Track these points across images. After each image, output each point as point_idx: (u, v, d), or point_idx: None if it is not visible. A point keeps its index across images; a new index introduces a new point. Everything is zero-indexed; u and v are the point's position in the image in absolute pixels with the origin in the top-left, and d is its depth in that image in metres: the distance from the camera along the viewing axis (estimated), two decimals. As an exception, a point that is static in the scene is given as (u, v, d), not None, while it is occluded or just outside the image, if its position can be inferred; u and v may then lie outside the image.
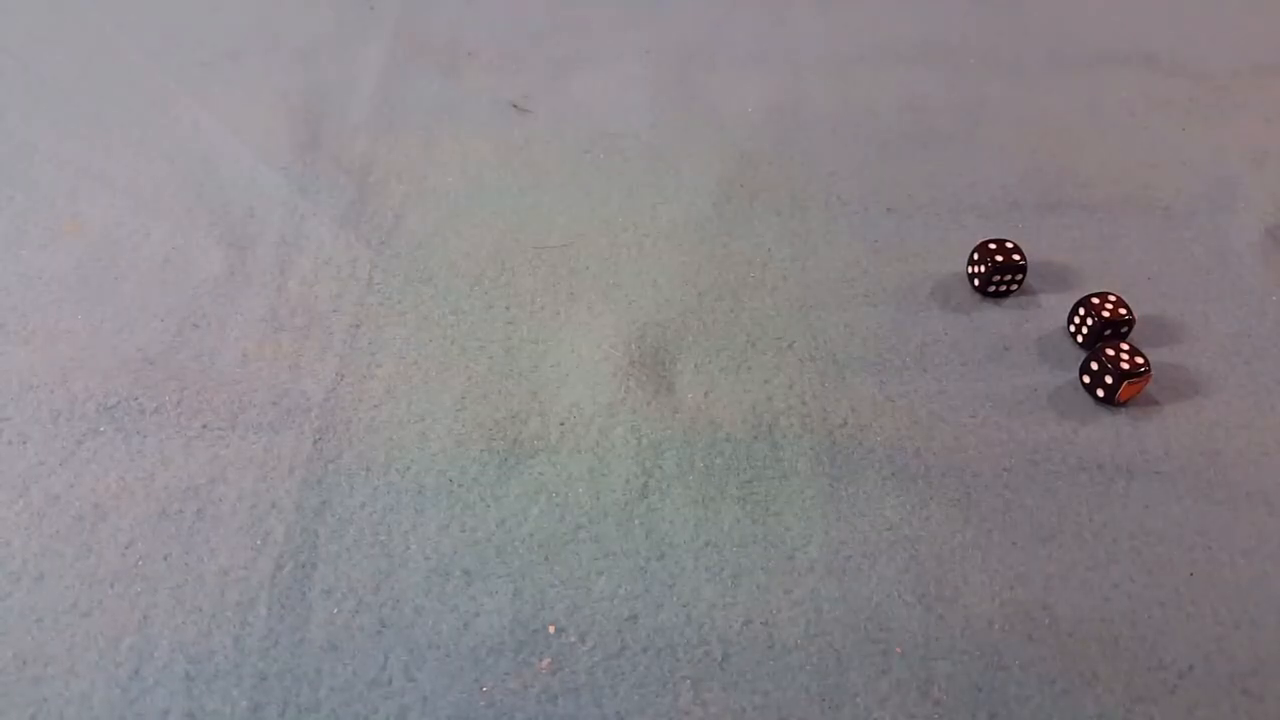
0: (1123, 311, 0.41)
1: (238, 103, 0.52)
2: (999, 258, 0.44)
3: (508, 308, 0.43)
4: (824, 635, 0.33)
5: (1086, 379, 0.40)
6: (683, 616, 0.33)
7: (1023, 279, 0.44)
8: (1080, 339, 0.42)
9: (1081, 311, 0.42)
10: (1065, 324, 0.43)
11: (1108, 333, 0.42)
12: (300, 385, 0.40)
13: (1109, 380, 0.39)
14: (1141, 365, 0.39)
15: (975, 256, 0.45)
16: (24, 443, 0.37)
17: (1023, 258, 0.44)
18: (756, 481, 0.37)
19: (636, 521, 0.36)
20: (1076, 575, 0.35)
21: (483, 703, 0.31)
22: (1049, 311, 0.44)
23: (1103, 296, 0.42)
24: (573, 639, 0.33)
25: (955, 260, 0.47)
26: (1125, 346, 0.40)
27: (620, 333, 0.43)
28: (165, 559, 0.34)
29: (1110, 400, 0.39)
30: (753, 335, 0.43)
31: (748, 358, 0.42)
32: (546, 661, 0.32)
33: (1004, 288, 0.44)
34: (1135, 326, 0.43)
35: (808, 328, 0.43)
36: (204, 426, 0.38)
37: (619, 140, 0.53)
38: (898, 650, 0.33)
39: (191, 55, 0.55)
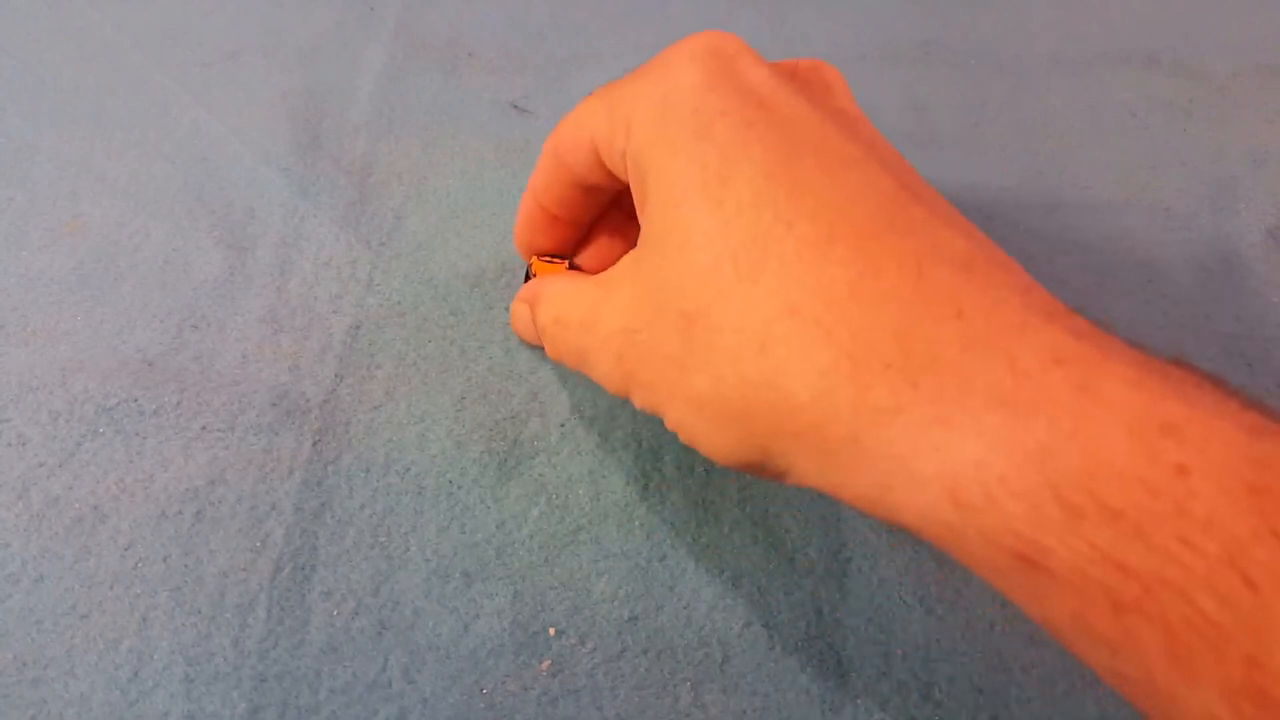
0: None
1: (238, 103, 0.52)
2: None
3: (508, 309, 0.43)
4: (824, 637, 0.33)
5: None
6: (683, 618, 0.33)
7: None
8: None
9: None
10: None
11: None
12: (300, 386, 0.40)
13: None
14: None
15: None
16: (23, 444, 0.37)
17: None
18: (757, 484, 0.37)
19: (637, 523, 0.36)
20: (1077, 577, 0.35)
21: (483, 705, 0.31)
22: (1049, 312, 0.44)
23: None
24: (573, 641, 0.33)
25: (956, 261, 0.46)
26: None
27: (620, 334, 0.42)
28: (164, 561, 0.34)
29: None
30: (753, 336, 0.43)
31: (748, 359, 0.42)
32: (546, 663, 0.32)
33: None
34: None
35: (808, 329, 0.43)
36: (203, 428, 0.38)
37: (619, 141, 0.53)
38: (899, 652, 0.33)
39: (191, 55, 0.55)
